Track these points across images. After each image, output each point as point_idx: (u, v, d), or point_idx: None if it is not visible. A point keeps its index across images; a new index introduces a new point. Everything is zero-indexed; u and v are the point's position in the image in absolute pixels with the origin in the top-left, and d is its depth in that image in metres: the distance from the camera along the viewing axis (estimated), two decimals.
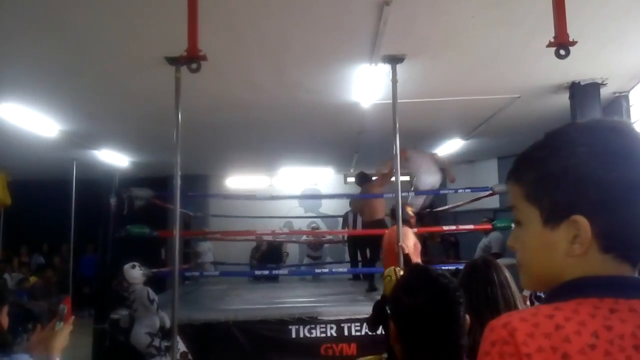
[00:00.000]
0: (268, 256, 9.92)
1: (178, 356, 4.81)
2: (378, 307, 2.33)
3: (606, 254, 0.68)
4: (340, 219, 9.76)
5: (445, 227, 7.20)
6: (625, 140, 0.69)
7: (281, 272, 8.19)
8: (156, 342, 4.71)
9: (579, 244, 0.69)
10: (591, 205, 0.68)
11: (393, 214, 4.88)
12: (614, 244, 0.68)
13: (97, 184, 6.04)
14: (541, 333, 0.64)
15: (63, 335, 1.99)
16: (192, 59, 3.40)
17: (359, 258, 8.53)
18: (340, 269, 7.79)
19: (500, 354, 0.65)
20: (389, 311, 1.33)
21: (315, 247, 10.17)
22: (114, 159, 8.36)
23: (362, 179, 7.39)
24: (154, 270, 5.82)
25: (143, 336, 4.71)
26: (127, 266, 4.91)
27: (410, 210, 5.15)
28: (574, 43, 3.32)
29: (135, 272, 4.86)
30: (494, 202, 8.25)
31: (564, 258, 0.70)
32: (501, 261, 2.00)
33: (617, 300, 0.65)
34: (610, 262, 0.68)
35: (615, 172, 0.67)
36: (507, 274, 1.87)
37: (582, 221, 0.68)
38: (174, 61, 3.94)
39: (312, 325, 5.60)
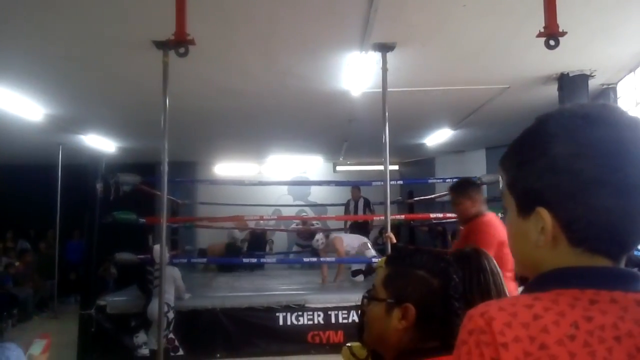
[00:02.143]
0: (252, 244, 9.90)
1: (165, 342, 4.82)
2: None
3: (575, 247, 0.67)
4: (329, 208, 9.78)
5: (433, 215, 7.24)
6: (592, 130, 0.66)
7: (269, 260, 8.19)
8: (170, 314, 5.12)
9: (543, 235, 0.68)
10: (555, 197, 0.67)
11: None
12: (581, 237, 0.66)
13: (83, 169, 5.99)
14: (519, 323, 0.63)
15: None
16: (180, 43, 3.36)
17: None
18: (329, 258, 7.82)
19: (477, 343, 0.64)
20: (389, 300, 1.27)
21: (305, 236, 10.18)
22: (101, 144, 8.26)
23: None
24: (141, 256, 5.81)
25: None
26: (157, 247, 5.24)
27: None
28: (563, 34, 3.33)
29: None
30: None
31: (536, 248, 0.69)
32: None
33: (598, 291, 0.64)
34: (583, 255, 0.67)
35: (577, 164, 0.65)
36: (495, 263, 1.89)
37: (544, 213, 0.68)
38: (161, 45, 3.89)
39: (300, 313, 5.63)
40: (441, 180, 7.77)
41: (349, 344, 1.91)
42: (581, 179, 0.65)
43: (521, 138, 0.73)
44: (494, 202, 8.15)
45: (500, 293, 1.78)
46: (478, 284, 1.77)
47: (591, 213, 0.65)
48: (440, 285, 1.25)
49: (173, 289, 5.32)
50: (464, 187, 3.36)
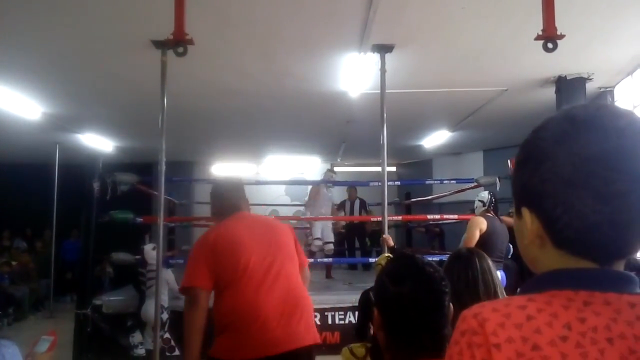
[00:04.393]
0: None
1: (161, 342, 4.81)
2: (364, 298, 2.34)
3: (559, 248, 0.68)
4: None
5: (430, 217, 7.24)
6: (577, 134, 0.66)
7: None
8: (164, 315, 5.10)
9: (527, 234, 0.70)
10: (537, 198, 0.68)
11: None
12: (562, 239, 0.67)
13: (80, 168, 5.96)
14: (512, 323, 0.63)
15: None
16: (178, 42, 3.35)
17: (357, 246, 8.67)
18: (326, 259, 7.82)
19: (469, 344, 0.64)
20: (372, 298, 1.33)
21: None
22: (98, 143, 8.24)
23: None
24: (138, 257, 5.79)
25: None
26: (147, 247, 5.26)
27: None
28: (561, 37, 3.34)
29: (155, 253, 5.12)
30: None
31: (528, 247, 0.71)
32: None
33: (592, 293, 0.64)
34: (567, 257, 0.67)
35: (558, 167, 0.66)
36: (490, 263, 1.91)
37: (525, 213, 0.69)
38: (160, 44, 3.87)
39: None
40: (438, 181, 7.77)
41: (349, 346, 1.94)
42: (561, 182, 0.65)
43: (523, 141, 0.74)
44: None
45: (489, 291, 1.80)
46: (466, 281, 1.79)
47: (569, 215, 0.65)
48: (395, 292, 1.24)
49: (167, 290, 5.31)
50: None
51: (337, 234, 9.33)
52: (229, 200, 2.49)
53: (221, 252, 2.26)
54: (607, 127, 0.65)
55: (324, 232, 7.28)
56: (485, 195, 4.90)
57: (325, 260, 7.26)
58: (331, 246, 7.35)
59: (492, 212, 4.76)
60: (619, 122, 0.66)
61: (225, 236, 2.31)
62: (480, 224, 4.48)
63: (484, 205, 4.82)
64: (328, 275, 7.71)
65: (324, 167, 11.51)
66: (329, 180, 7.65)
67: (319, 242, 7.15)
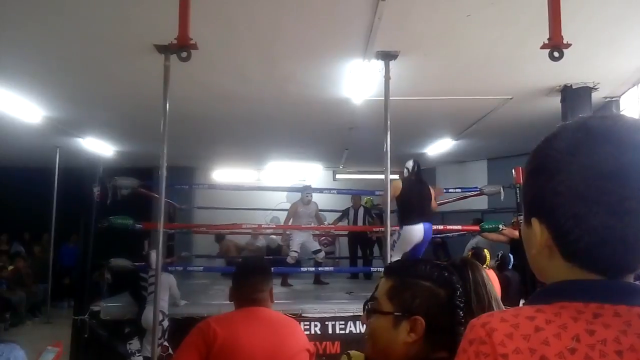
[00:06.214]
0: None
1: (159, 350, 4.75)
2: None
3: (568, 262, 0.67)
4: (327, 216, 9.70)
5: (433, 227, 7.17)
6: (592, 147, 0.65)
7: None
8: (165, 322, 5.02)
9: (536, 245, 0.69)
10: (548, 209, 0.67)
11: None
12: (572, 251, 0.66)
13: (80, 172, 5.92)
14: (520, 334, 0.63)
15: None
16: (182, 47, 3.32)
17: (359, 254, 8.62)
18: (328, 268, 7.77)
19: (476, 354, 0.64)
20: (396, 312, 1.25)
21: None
22: (99, 147, 8.21)
23: None
24: (137, 263, 5.74)
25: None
26: (153, 252, 5.13)
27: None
28: (568, 45, 3.30)
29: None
30: (482, 203, 8.26)
31: (536, 257, 0.71)
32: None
33: (602, 305, 0.64)
34: (577, 270, 0.67)
35: (571, 180, 0.65)
36: (485, 274, 1.88)
37: (535, 223, 0.69)
38: (163, 49, 3.86)
39: None
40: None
41: (348, 351, 1.89)
42: (573, 195, 0.64)
43: (534, 149, 0.73)
44: (494, 213, 8.11)
45: (482, 304, 1.76)
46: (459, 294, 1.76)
47: (580, 229, 0.64)
48: (446, 295, 1.24)
49: (167, 296, 5.25)
50: None
51: (323, 244, 9.30)
52: (246, 293, 2.21)
53: (211, 347, 2.01)
54: (624, 140, 0.64)
55: (307, 244, 7.35)
56: (410, 163, 5.74)
57: (321, 269, 7.32)
58: (321, 254, 7.47)
59: (414, 177, 5.62)
60: (633, 137, 0.64)
61: (224, 340, 2.05)
62: (394, 189, 5.33)
63: (408, 172, 5.68)
64: (316, 281, 7.83)
65: (326, 173, 11.48)
66: (310, 189, 7.61)
67: (294, 254, 7.25)
